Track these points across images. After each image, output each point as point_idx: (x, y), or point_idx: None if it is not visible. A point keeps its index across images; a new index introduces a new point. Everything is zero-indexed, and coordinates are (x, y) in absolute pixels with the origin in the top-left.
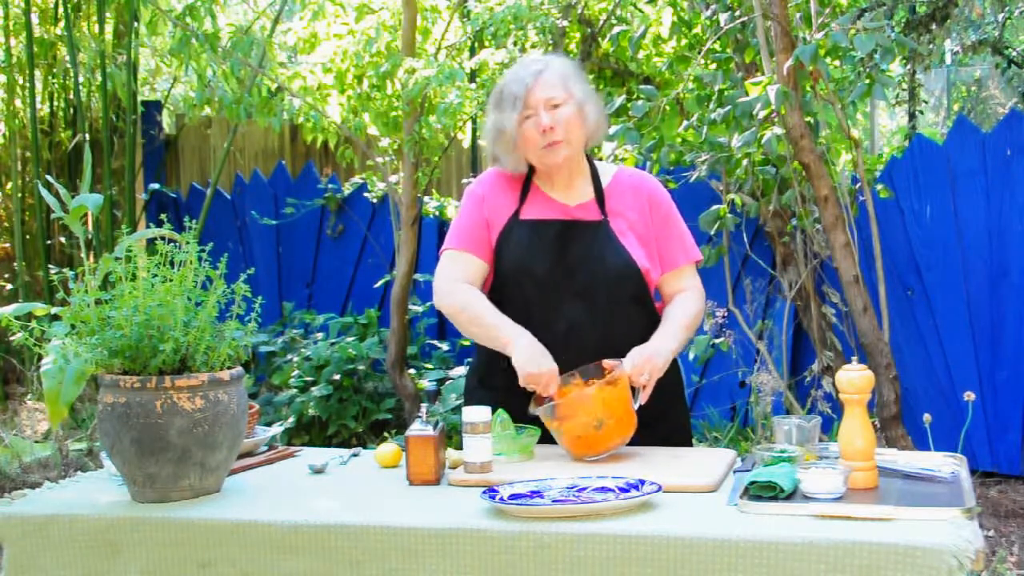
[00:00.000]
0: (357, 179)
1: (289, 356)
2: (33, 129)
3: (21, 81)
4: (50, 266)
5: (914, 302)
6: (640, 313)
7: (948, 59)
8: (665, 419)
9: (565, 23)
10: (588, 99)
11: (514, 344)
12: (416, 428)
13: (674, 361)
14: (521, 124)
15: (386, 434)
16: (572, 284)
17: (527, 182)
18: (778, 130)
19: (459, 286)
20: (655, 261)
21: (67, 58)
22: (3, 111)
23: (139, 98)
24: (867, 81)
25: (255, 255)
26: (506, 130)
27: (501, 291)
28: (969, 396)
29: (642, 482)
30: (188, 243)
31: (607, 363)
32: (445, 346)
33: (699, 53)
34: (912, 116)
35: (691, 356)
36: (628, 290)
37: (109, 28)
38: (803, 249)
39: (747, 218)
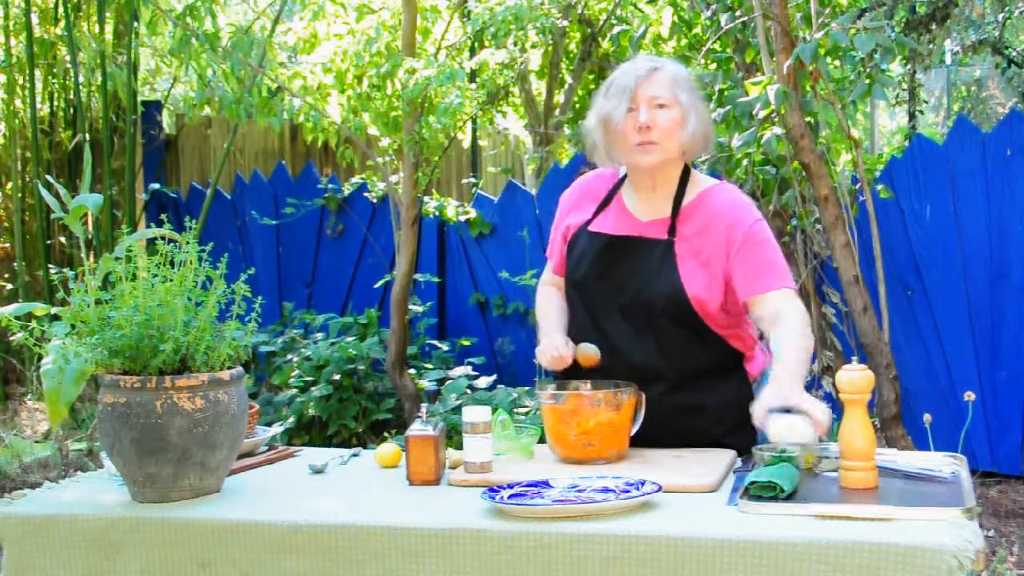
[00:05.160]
0: (357, 179)
1: (289, 356)
2: (33, 129)
3: (21, 81)
4: (50, 266)
5: (914, 302)
6: (691, 342)
7: (948, 59)
8: (724, 438)
9: (565, 23)
10: (694, 109)
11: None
12: (416, 428)
13: (741, 379)
14: (624, 117)
15: (386, 434)
16: (616, 299)
17: (613, 190)
18: (778, 130)
19: (540, 289)
20: (717, 291)
21: (67, 58)
22: (3, 111)
23: (139, 98)
24: (867, 81)
25: (255, 255)
26: (608, 119)
27: (567, 298)
28: (969, 396)
29: (642, 482)
30: (188, 243)
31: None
32: (445, 346)
33: (699, 53)
34: (912, 116)
35: None
36: (672, 314)
37: (109, 28)
38: (803, 249)
39: None
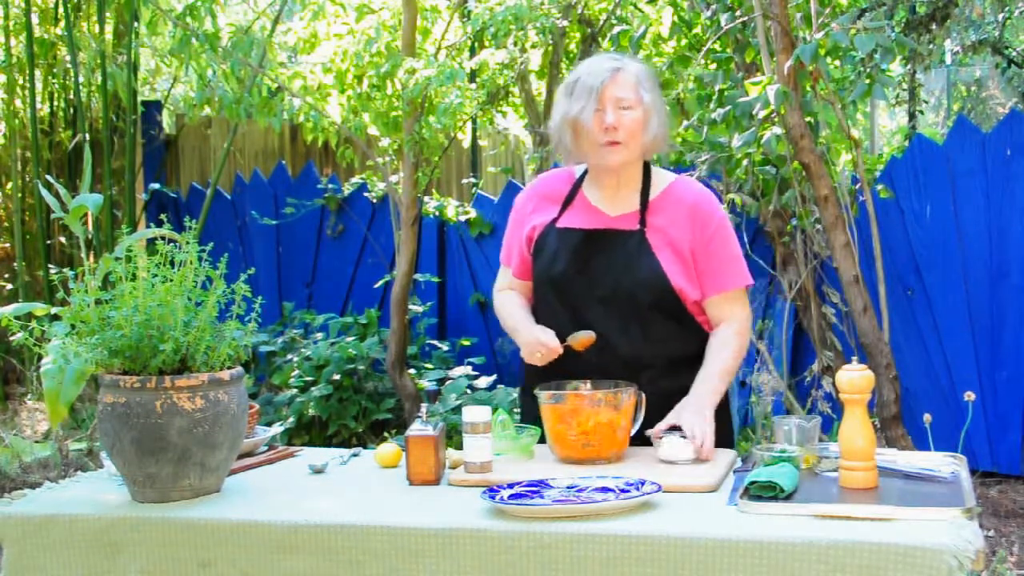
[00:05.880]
0: (357, 179)
1: (289, 356)
2: (33, 129)
3: (21, 81)
4: (50, 266)
5: (914, 302)
6: (672, 328)
7: (948, 59)
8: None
9: (565, 23)
10: (655, 109)
11: (521, 343)
12: (416, 428)
13: None
14: (591, 117)
15: (386, 434)
16: (596, 291)
17: (574, 189)
18: (778, 130)
19: (497, 296)
20: (693, 280)
21: (67, 58)
22: (3, 111)
23: (139, 98)
24: (867, 81)
25: (255, 255)
26: (576, 120)
27: (536, 297)
28: (969, 396)
29: (642, 482)
30: (188, 243)
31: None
32: (445, 346)
33: (699, 53)
34: (912, 116)
35: None
36: (656, 302)
37: (109, 28)
38: (803, 249)
39: (747, 218)
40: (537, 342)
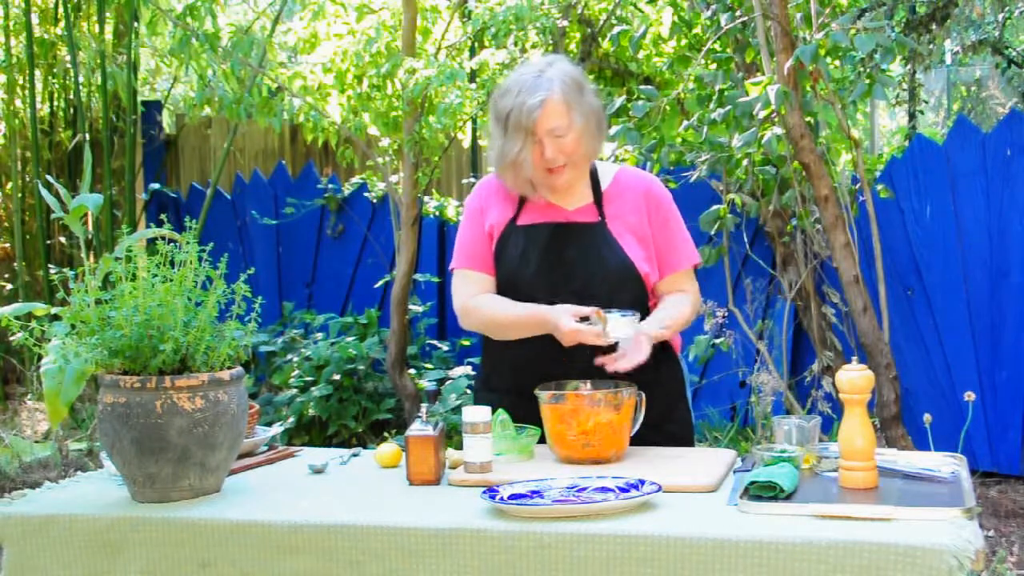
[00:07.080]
0: (357, 179)
1: (289, 356)
2: (33, 129)
3: (21, 81)
4: (50, 266)
5: (914, 302)
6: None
7: (948, 59)
8: (669, 419)
9: (565, 23)
10: (589, 119)
11: (551, 322)
12: (416, 428)
13: (676, 362)
14: (530, 152)
15: (386, 434)
16: (569, 285)
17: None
18: (778, 130)
19: (472, 301)
20: (653, 264)
21: (67, 58)
22: (3, 111)
23: (139, 98)
24: (867, 81)
25: (255, 255)
26: (512, 157)
27: (504, 295)
28: (969, 396)
29: (642, 482)
30: (188, 243)
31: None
32: (445, 346)
33: (699, 53)
34: (912, 116)
35: (691, 356)
36: (627, 291)
37: (109, 28)
38: (803, 249)
39: (747, 218)
40: (576, 332)
